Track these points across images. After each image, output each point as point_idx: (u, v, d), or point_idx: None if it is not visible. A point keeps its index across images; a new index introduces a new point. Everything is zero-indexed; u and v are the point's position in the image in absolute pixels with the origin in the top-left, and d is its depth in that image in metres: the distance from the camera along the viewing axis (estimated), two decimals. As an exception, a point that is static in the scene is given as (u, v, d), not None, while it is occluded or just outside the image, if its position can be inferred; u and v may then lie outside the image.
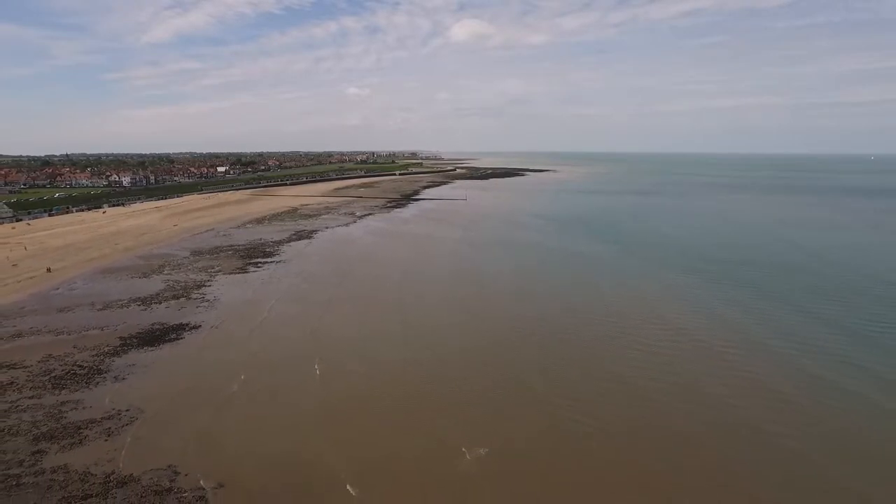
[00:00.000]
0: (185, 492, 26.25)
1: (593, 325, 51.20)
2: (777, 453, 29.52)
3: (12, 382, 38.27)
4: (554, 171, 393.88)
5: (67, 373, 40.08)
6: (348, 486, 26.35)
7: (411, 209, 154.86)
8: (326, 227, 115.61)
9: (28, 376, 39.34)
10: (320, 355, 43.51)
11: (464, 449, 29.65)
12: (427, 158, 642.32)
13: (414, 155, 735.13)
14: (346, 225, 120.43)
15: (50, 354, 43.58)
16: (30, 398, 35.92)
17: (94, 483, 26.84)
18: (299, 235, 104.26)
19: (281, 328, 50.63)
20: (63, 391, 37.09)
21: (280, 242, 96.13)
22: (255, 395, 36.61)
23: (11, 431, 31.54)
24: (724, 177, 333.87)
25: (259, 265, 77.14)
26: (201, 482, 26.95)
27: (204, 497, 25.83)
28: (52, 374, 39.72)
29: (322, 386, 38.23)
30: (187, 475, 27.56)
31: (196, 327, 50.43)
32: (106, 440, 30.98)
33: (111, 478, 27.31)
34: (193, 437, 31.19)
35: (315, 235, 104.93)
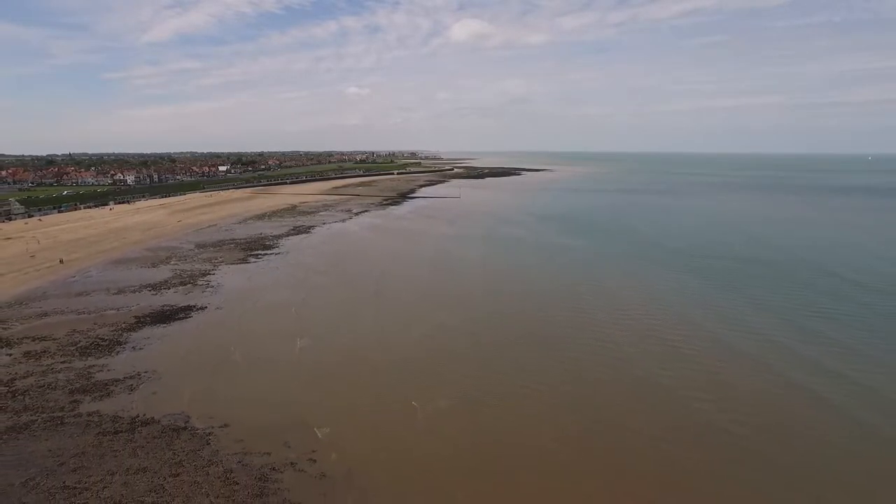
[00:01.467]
0: (197, 429, 32.17)
1: (549, 300, 57.00)
2: (684, 405, 35.39)
3: (45, 351, 44.23)
4: (550, 170, 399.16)
5: (91, 344, 46.03)
6: (315, 430, 32.10)
7: (406, 207, 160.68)
8: (324, 223, 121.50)
9: (58, 346, 45.29)
10: (306, 330, 49.59)
11: (415, 403, 35.45)
12: (426, 158, 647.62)
13: (413, 155, 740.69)
14: (343, 221, 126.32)
15: (74, 329, 49.55)
16: (62, 363, 41.86)
17: (122, 423, 32.78)
18: (297, 230, 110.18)
19: (276, 308, 56.53)
20: (89, 358, 43.03)
21: (279, 237, 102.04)
22: (251, 361, 42.54)
23: (50, 387, 37.49)
24: (718, 176, 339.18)
25: (259, 256, 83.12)
26: (209, 422, 32.86)
27: (212, 432, 31.74)
28: (79, 345, 45.66)
29: (304, 354, 44.11)
30: (198, 418, 33.48)
31: (202, 308, 56.38)
32: (129, 394, 36.92)
33: (136, 420, 33.24)
34: (201, 392, 37.10)
35: (312, 230, 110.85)
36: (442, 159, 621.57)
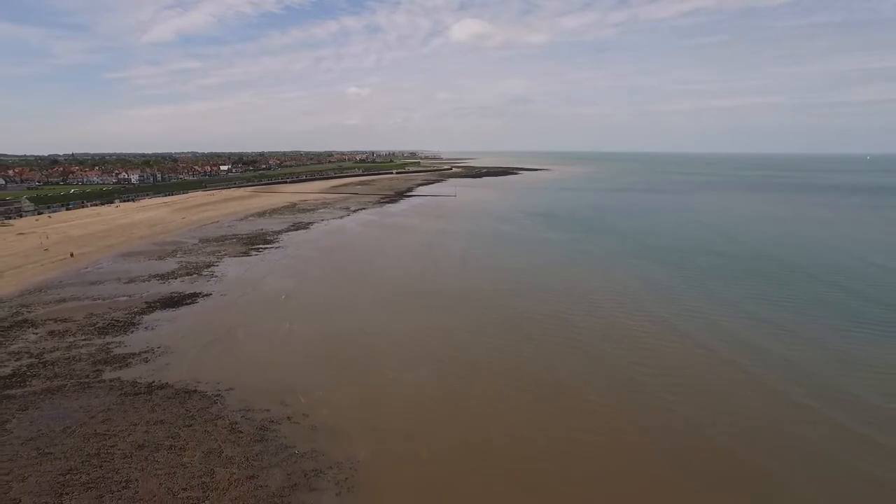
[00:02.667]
0: (206, 392, 36.98)
1: (520, 283, 61.81)
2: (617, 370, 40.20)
3: (67, 330, 49.09)
4: (548, 170, 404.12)
5: (108, 324, 50.88)
6: (300, 395, 36.81)
7: (402, 204, 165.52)
8: (322, 220, 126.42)
9: (78, 327, 50.15)
10: (300, 312, 54.89)
11: (390, 374, 40.27)
12: (426, 158, 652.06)
13: (413, 155, 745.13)
14: (340, 218, 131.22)
15: (91, 313, 54.42)
16: (83, 340, 46.72)
17: (140, 386, 37.63)
18: (297, 226, 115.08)
19: (273, 295, 61.38)
20: (107, 336, 47.89)
21: (279, 232, 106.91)
22: (252, 338, 47.41)
23: (75, 359, 42.33)
24: (713, 175, 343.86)
25: (260, 250, 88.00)
26: (216, 387, 37.68)
27: (219, 394, 36.56)
28: (97, 326, 50.53)
29: (297, 332, 48.95)
30: (206, 383, 38.25)
31: (207, 295, 61.23)
32: (145, 364, 41.75)
33: (152, 385, 38.06)
34: (208, 362, 41.92)
35: (311, 227, 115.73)
36: (441, 159, 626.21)
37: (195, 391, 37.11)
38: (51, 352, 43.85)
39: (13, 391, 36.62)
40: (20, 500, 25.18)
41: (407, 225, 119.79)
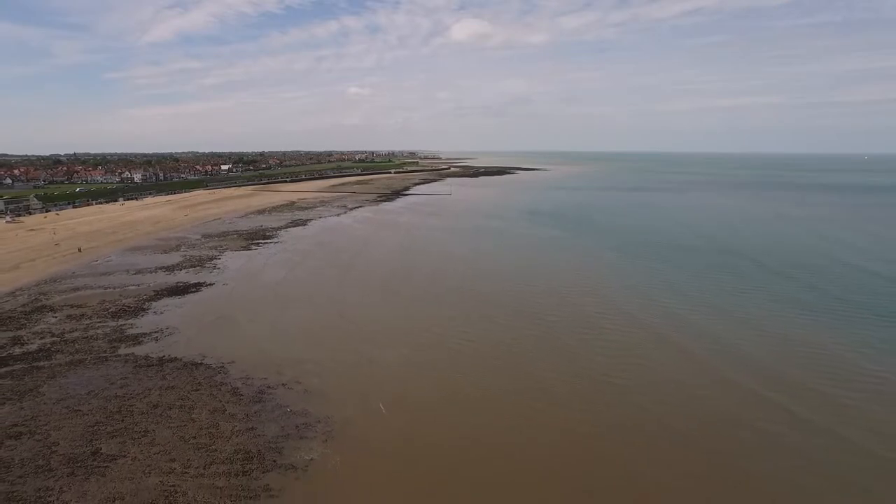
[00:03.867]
0: (211, 364, 41.75)
1: (500, 270, 66.61)
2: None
3: (83, 314, 53.89)
4: (545, 169, 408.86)
5: (120, 309, 55.69)
6: (293, 367, 41.72)
7: (398, 203, 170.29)
8: (320, 217, 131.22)
9: (93, 311, 54.95)
10: (296, 297, 59.97)
11: (368, 357, 45.12)
12: (425, 158, 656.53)
13: (413, 154, 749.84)
14: (338, 215, 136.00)
15: (104, 300, 59.22)
16: (99, 322, 51.52)
17: (152, 360, 42.42)
18: (295, 223, 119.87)
19: (271, 284, 66.22)
20: (120, 319, 52.68)
21: (278, 228, 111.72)
22: (252, 320, 52.22)
23: (93, 338, 47.13)
24: (706, 175, 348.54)
25: (259, 244, 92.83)
26: (219, 360, 42.46)
27: (222, 366, 41.34)
28: (110, 311, 55.33)
29: (290, 315, 53.75)
30: (211, 357, 43.02)
31: (210, 284, 66.01)
32: (155, 342, 46.54)
33: (163, 358, 42.84)
34: (213, 341, 46.68)
35: (309, 223, 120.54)
36: (441, 159, 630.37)
37: (201, 364, 41.90)
38: (70, 332, 48.66)
39: (41, 363, 41.45)
40: (58, 443, 30.00)
41: (401, 222, 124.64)
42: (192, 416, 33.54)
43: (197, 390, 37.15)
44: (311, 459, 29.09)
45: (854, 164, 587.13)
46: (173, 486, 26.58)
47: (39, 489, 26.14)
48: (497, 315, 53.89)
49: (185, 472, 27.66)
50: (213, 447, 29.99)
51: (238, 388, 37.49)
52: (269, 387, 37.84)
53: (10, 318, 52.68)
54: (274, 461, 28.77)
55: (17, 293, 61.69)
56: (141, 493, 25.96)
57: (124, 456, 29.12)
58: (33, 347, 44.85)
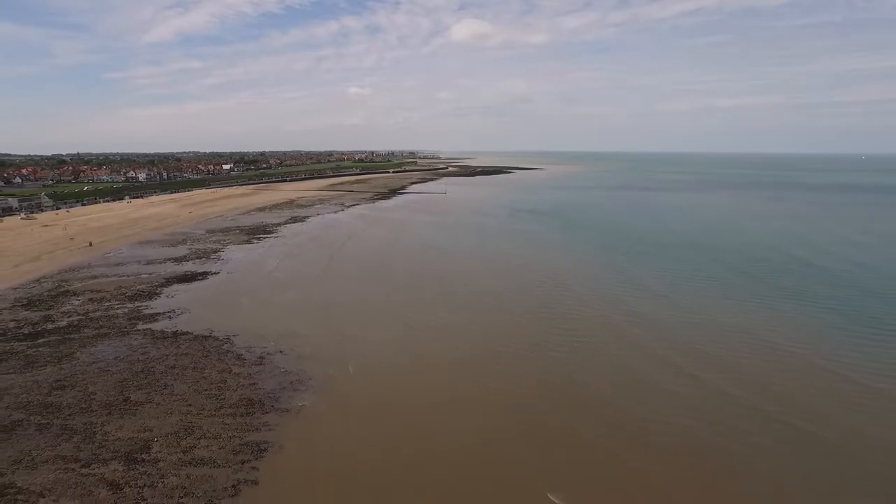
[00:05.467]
0: (218, 336, 48.24)
1: (478, 257, 73.06)
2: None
3: (103, 298, 60.43)
4: (541, 169, 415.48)
5: (135, 294, 62.22)
6: (290, 338, 48.20)
7: (394, 201, 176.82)
8: (318, 214, 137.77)
9: (112, 295, 61.48)
10: (292, 284, 66.18)
11: (348, 331, 51.64)
12: (425, 158, 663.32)
13: (412, 154, 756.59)
14: (335, 212, 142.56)
15: (120, 286, 65.75)
16: (117, 304, 58.05)
17: (167, 334, 48.92)
18: (294, 220, 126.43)
19: (270, 271, 72.76)
20: (136, 302, 59.20)
21: (278, 224, 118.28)
22: (253, 302, 58.72)
23: (114, 316, 53.66)
24: (698, 174, 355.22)
25: (260, 239, 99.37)
26: (225, 333, 48.95)
27: (228, 338, 47.82)
28: (126, 295, 61.85)
29: (287, 298, 60.23)
30: (218, 331, 49.47)
31: (215, 273, 72.53)
32: (169, 320, 53.04)
33: (177, 332, 49.32)
34: (219, 319, 53.11)
35: (307, 220, 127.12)
36: (440, 159, 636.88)
37: (210, 336, 48.40)
38: (94, 312, 55.19)
39: (72, 336, 47.98)
40: (95, 394, 36.52)
41: (394, 218, 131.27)
42: (204, 374, 40.03)
43: (207, 356, 43.64)
44: (302, 405, 35.58)
45: (849, 164, 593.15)
46: (190, 422, 33.06)
47: (86, 423, 32.66)
48: (463, 297, 60.38)
49: (200, 414, 34.16)
50: (222, 396, 36.49)
51: (242, 355, 43.98)
52: (268, 353, 44.33)
53: (39, 300, 59.26)
54: (272, 406, 35.27)
55: (42, 280, 68.27)
56: (164, 427, 32.45)
57: (149, 402, 35.62)
58: (63, 324, 51.38)
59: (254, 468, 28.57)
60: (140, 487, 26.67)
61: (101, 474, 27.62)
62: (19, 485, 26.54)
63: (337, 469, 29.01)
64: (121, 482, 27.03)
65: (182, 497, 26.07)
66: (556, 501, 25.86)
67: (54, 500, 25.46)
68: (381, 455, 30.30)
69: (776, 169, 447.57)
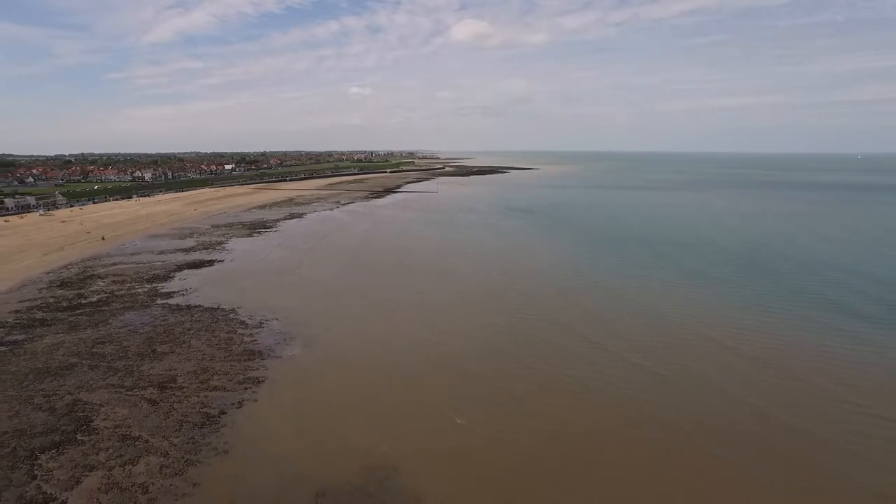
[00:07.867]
0: (225, 309, 57.80)
1: (458, 250, 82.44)
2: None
3: (124, 280, 70.06)
4: (536, 168, 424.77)
5: (152, 277, 71.82)
6: (285, 310, 57.71)
7: (388, 199, 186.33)
8: (314, 211, 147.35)
9: (131, 278, 71.10)
10: (289, 269, 75.49)
11: (334, 305, 61.19)
12: (423, 157, 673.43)
13: (412, 154, 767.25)
14: (331, 210, 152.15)
15: (138, 271, 75.38)
16: (137, 285, 67.66)
17: (182, 307, 58.48)
18: (292, 216, 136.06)
19: (269, 259, 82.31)
20: (153, 283, 68.79)
21: (277, 220, 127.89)
22: (254, 284, 68.28)
23: (135, 294, 63.27)
24: (694, 174, 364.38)
25: (261, 232, 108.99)
26: (231, 306, 58.49)
27: (233, 309, 57.39)
28: (144, 278, 71.47)
29: (283, 280, 69.78)
30: (225, 305, 59.02)
31: (221, 261, 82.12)
32: (182, 297, 62.61)
33: (190, 305, 58.88)
34: (225, 295, 62.67)
35: (305, 216, 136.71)
36: (439, 159, 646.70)
37: (218, 308, 57.97)
38: (118, 291, 64.80)
39: (103, 308, 57.60)
40: (129, 347, 46.11)
41: (385, 214, 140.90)
42: (215, 334, 49.59)
43: (216, 322, 53.20)
44: (293, 355, 45.13)
45: (845, 163, 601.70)
46: (206, 365, 42.60)
47: (125, 365, 42.25)
48: (437, 280, 69.91)
49: (213, 359, 43.71)
50: (230, 349, 46.05)
51: (245, 321, 53.54)
52: (266, 320, 53.88)
53: (70, 282, 68.91)
54: (269, 355, 44.83)
55: (69, 266, 77.94)
56: (186, 368, 42.00)
57: (172, 353, 45.18)
58: (94, 300, 61.00)
59: (254, 392, 38.12)
60: (171, 402, 36.24)
61: (141, 395, 37.21)
62: (85, 400, 36.12)
63: (316, 393, 38.53)
64: (157, 399, 36.61)
65: (202, 408, 35.63)
66: (461, 422, 34.84)
67: (112, 409, 35.04)
68: (349, 387, 39.81)
69: (771, 168, 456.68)
